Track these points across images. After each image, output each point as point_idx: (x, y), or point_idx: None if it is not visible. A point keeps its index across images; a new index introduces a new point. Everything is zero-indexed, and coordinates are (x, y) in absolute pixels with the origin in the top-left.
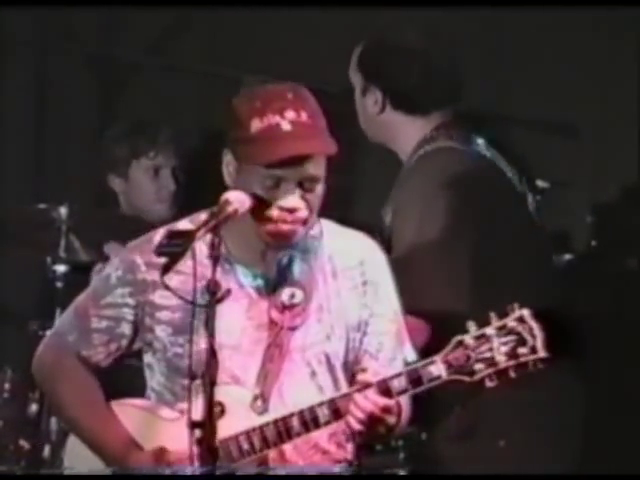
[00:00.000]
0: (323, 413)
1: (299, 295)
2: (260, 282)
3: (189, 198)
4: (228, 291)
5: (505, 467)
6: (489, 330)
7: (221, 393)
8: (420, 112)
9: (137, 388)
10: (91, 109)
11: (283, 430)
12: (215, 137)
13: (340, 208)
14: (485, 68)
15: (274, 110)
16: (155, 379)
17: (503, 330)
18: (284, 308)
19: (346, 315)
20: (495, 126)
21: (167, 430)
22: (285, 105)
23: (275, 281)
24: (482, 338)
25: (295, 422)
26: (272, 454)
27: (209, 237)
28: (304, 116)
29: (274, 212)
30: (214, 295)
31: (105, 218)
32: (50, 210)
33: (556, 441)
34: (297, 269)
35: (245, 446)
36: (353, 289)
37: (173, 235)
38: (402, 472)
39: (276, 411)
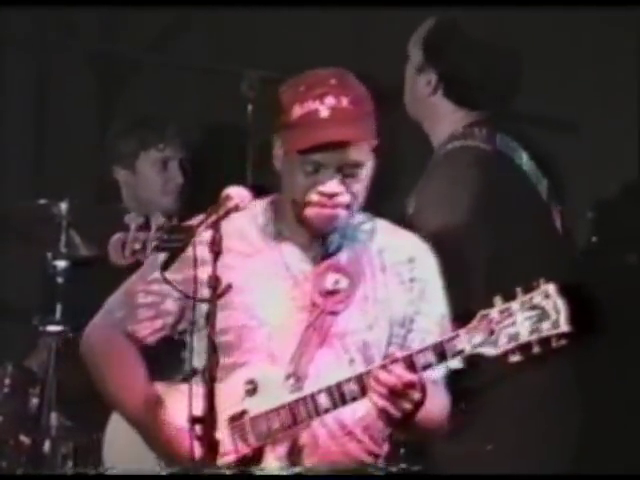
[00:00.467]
0: (350, 389)
1: (344, 282)
2: (306, 265)
3: (195, 191)
4: (229, 286)
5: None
6: (514, 304)
7: (255, 371)
8: (469, 106)
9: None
10: (91, 105)
11: (311, 406)
12: (219, 131)
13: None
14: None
15: (314, 96)
16: (196, 360)
17: (527, 304)
18: (327, 293)
19: (391, 309)
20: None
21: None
22: (326, 91)
23: (321, 265)
24: (506, 312)
25: (323, 398)
26: (305, 439)
27: (210, 233)
28: (345, 102)
29: (314, 196)
30: (215, 290)
31: (105, 214)
32: (50, 206)
33: (549, 448)
34: (345, 257)
35: (275, 424)
36: (400, 284)
37: (174, 230)
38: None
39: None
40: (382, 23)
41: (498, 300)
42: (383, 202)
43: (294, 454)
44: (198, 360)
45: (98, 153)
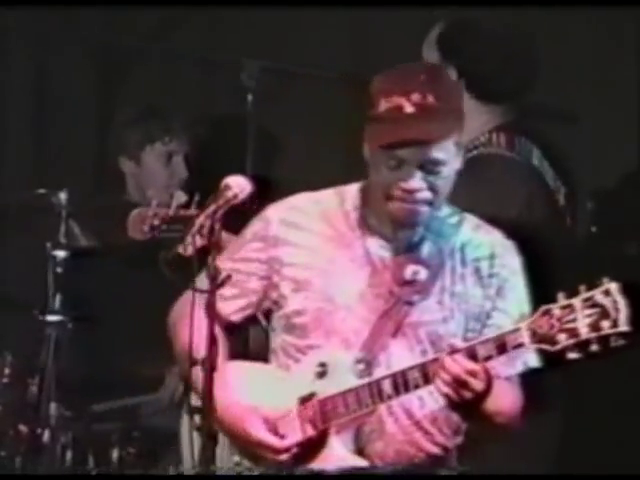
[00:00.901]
0: (413, 376)
1: (423, 273)
2: (386, 253)
3: (199, 185)
4: (228, 277)
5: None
6: (576, 301)
7: (327, 354)
8: (492, 100)
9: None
10: (90, 95)
11: (376, 392)
12: (219, 121)
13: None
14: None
15: (401, 92)
16: (275, 341)
17: (589, 302)
18: (405, 283)
19: (468, 303)
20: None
21: (272, 389)
22: (413, 87)
23: (402, 255)
24: (568, 308)
25: (387, 384)
26: (372, 426)
27: (209, 223)
28: (430, 99)
29: (396, 192)
30: (214, 280)
31: (105, 204)
32: (50, 195)
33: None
34: (426, 249)
35: (340, 408)
36: (479, 279)
37: (172, 220)
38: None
39: None
40: (382, 11)
41: (561, 296)
42: None
43: (360, 440)
44: (274, 340)
45: (97, 143)
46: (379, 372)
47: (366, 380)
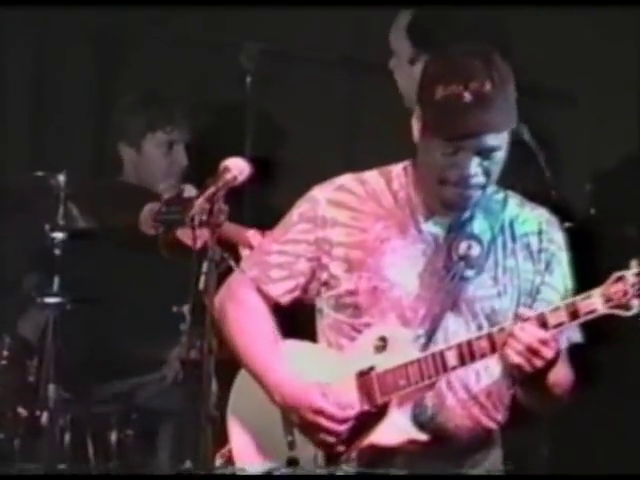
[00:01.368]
0: (480, 346)
1: (476, 249)
2: (439, 230)
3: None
4: (222, 258)
5: None
6: None
7: (386, 329)
8: None
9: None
10: (89, 77)
11: (439, 363)
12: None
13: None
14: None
15: (459, 80)
16: (324, 321)
17: None
18: (459, 258)
19: (520, 278)
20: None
21: (329, 365)
22: (471, 74)
23: (454, 232)
24: None
25: (452, 354)
26: (431, 400)
27: (208, 205)
28: (488, 86)
29: (451, 177)
30: (212, 261)
31: (103, 186)
32: (48, 177)
33: None
34: (477, 225)
35: (401, 380)
36: (529, 255)
37: (172, 202)
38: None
39: None
40: None
41: (634, 263)
42: None
43: (420, 415)
44: (322, 320)
45: (95, 126)
46: (438, 347)
47: (429, 352)
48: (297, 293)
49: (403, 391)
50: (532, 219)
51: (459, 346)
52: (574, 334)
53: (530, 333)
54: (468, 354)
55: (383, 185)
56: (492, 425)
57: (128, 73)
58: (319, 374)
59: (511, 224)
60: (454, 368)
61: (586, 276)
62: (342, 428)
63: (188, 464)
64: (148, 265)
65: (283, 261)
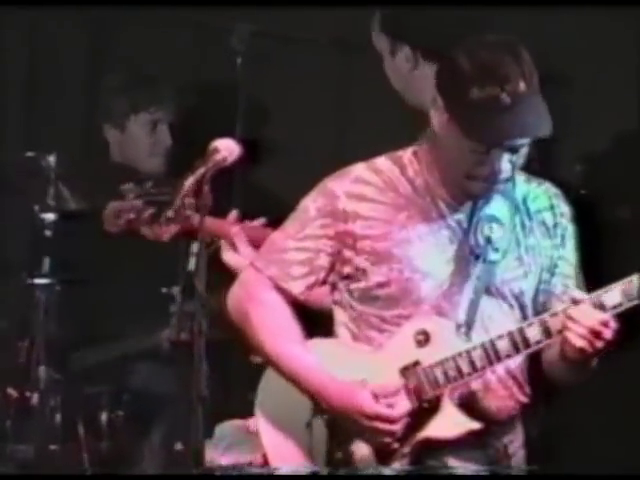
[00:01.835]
0: (533, 333)
1: (498, 231)
2: (462, 216)
3: (184, 153)
4: (212, 241)
5: None
6: None
7: (426, 322)
8: None
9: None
10: (80, 59)
11: (491, 352)
12: (208, 85)
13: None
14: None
15: (495, 81)
16: (347, 314)
17: None
18: (485, 242)
19: (540, 254)
20: None
21: (367, 363)
22: (505, 74)
23: (476, 216)
24: None
25: (504, 343)
26: (477, 384)
27: (198, 185)
28: (522, 86)
29: (481, 173)
30: (203, 243)
31: (94, 167)
32: (39, 158)
33: None
34: (496, 207)
35: (451, 372)
36: (546, 231)
37: (161, 183)
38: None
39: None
40: None
41: None
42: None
43: (468, 398)
44: (344, 313)
45: (86, 107)
46: (476, 334)
47: (478, 342)
48: (315, 288)
49: (455, 383)
50: (542, 195)
51: (511, 334)
52: None
53: (590, 315)
54: (522, 342)
55: (398, 173)
56: (527, 401)
57: (119, 54)
58: (357, 372)
59: (524, 202)
60: (508, 357)
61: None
62: (398, 428)
63: (179, 445)
64: (138, 246)
65: (304, 258)
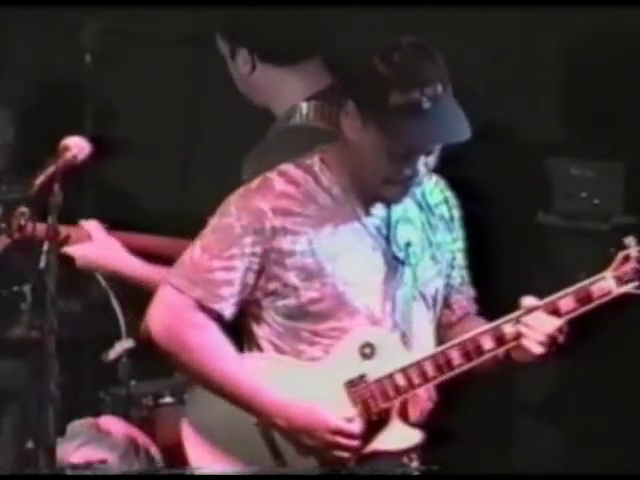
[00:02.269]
0: (486, 341)
1: (413, 232)
2: (379, 222)
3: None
4: (67, 237)
5: None
6: None
7: (368, 334)
8: (287, 62)
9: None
10: None
11: (443, 363)
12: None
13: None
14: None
15: (415, 84)
16: (271, 329)
17: None
18: (405, 247)
19: (446, 250)
20: None
21: (307, 378)
22: (425, 77)
23: (392, 221)
24: None
25: (456, 353)
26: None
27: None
28: (439, 89)
29: (398, 177)
30: (53, 242)
31: None
32: None
33: None
34: (406, 209)
35: (402, 382)
36: (445, 225)
37: (12, 182)
38: None
39: (420, 349)
40: None
41: (630, 241)
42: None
43: (404, 411)
44: (265, 328)
45: None
46: (415, 341)
47: (429, 353)
48: (240, 305)
49: (405, 395)
50: (434, 188)
51: (462, 343)
52: None
53: (547, 322)
54: (474, 350)
55: (313, 183)
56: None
57: None
58: (299, 388)
59: (424, 197)
60: (461, 366)
61: None
62: (358, 443)
63: (30, 444)
64: None
65: (231, 277)
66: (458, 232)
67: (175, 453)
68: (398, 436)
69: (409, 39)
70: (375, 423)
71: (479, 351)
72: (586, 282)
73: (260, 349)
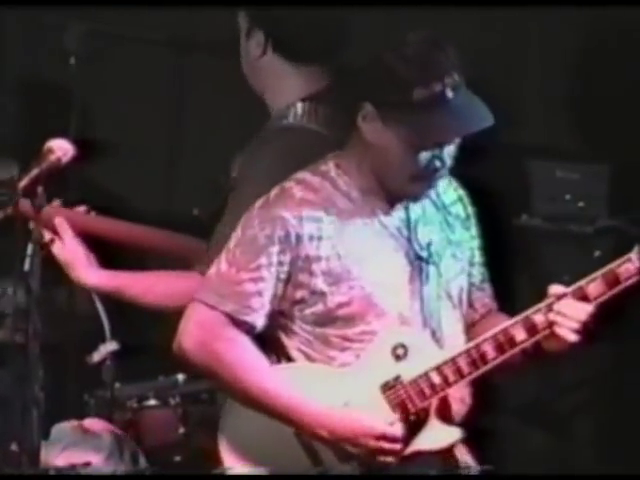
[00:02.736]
0: (519, 331)
1: (433, 232)
2: (399, 223)
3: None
4: (52, 240)
5: None
6: None
7: (400, 335)
8: (299, 60)
9: None
10: None
11: (477, 357)
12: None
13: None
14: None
15: (435, 76)
16: (300, 338)
17: None
18: (426, 246)
19: (465, 248)
20: None
21: (343, 385)
22: (442, 67)
23: (411, 219)
24: None
25: (489, 346)
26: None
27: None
28: (456, 76)
29: (427, 173)
30: (37, 244)
31: None
32: None
33: None
34: (424, 208)
35: (437, 380)
36: (462, 223)
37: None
38: None
39: (451, 347)
40: None
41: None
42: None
43: (444, 410)
44: (295, 337)
45: None
46: (446, 340)
47: (462, 348)
48: (269, 317)
49: (442, 393)
50: (447, 187)
51: (495, 336)
52: None
53: (581, 309)
54: (507, 342)
55: (331, 189)
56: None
57: None
58: (336, 395)
59: (439, 197)
60: (495, 359)
61: None
62: (402, 446)
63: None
64: None
65: (260, 288)
66: (474, 229)
67: (159, 455)
68: (438, 434)
69: (416, 34)
70: (413, 423)
71: (512, 342)
72: (613, 264)
73: (290, 359)
